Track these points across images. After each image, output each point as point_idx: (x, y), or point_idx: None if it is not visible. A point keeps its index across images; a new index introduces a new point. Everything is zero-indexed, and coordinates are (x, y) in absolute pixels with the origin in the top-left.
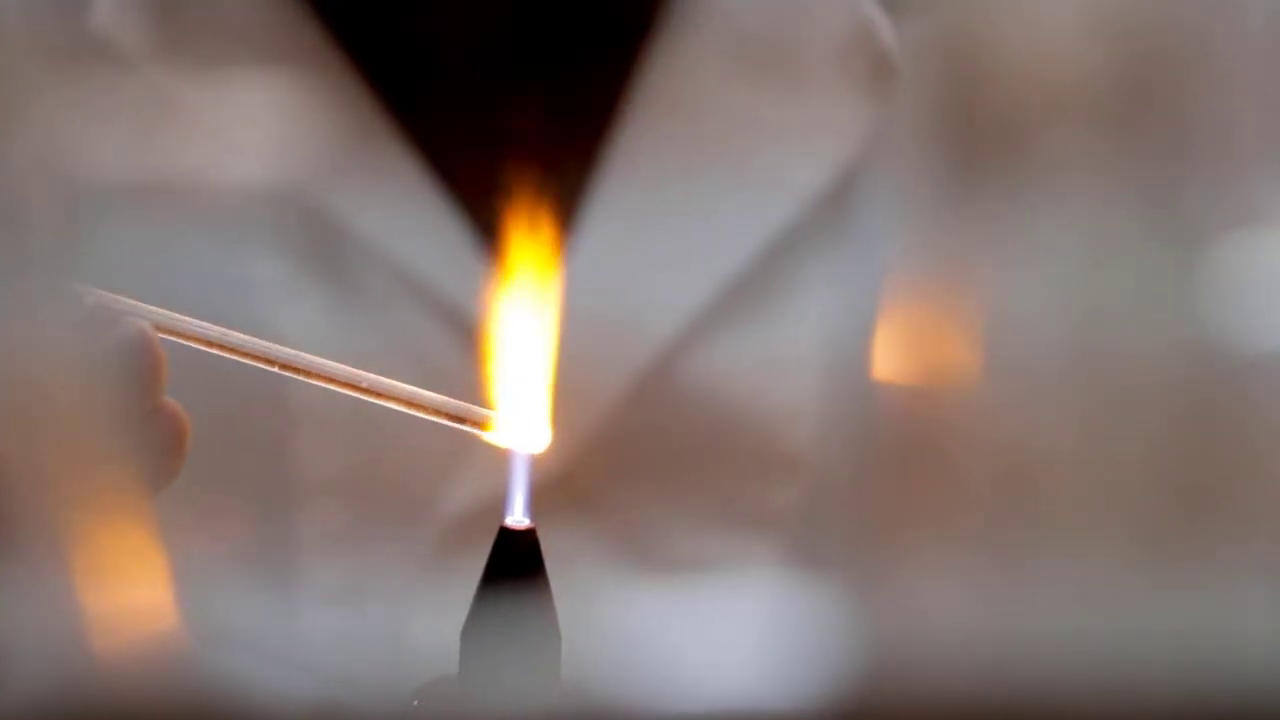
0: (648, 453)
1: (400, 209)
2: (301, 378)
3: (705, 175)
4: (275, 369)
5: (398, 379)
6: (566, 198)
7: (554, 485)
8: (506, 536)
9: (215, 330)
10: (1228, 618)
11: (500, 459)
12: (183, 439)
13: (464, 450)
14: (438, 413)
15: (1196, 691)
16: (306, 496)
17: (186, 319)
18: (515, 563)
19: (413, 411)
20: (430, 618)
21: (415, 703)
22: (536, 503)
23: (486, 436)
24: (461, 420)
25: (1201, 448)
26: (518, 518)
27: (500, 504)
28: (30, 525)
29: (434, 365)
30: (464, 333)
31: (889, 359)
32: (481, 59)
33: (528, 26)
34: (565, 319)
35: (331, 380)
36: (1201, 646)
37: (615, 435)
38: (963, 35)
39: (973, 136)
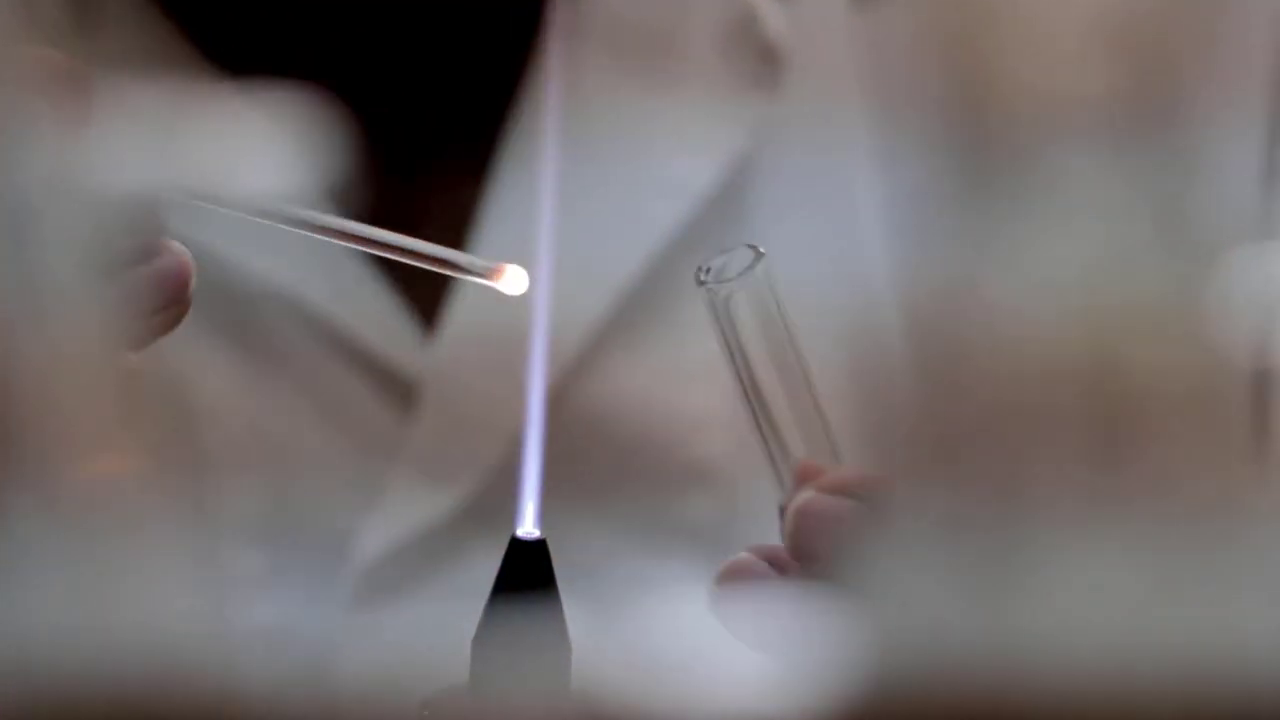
0: (558, 474)
1: (305, 250)
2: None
3: (593, 181)
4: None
5: (313, 433)
6: (458, 215)
7: (465, 514)
8: (517, 547)
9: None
10: (1233, 626)
11: (412, 498)
12: (183, 282)
13: (377, 489)
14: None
15: (1201, 698)
16: (222, 541)
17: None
18: (526, 574)
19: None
20: (354, 659)
21: (425, 713)
22: (451, 534)
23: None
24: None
25: (1210, 459)
26: (528, 529)
27: (416, 544)
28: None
29: (350, 414)
30: (377, 378)
31: (891, 365)
32: (365, 73)
33: (408, 37)
34: (458, 343)
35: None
36: (1206, 657)
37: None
38: (966, 45)
39: (977, 147)
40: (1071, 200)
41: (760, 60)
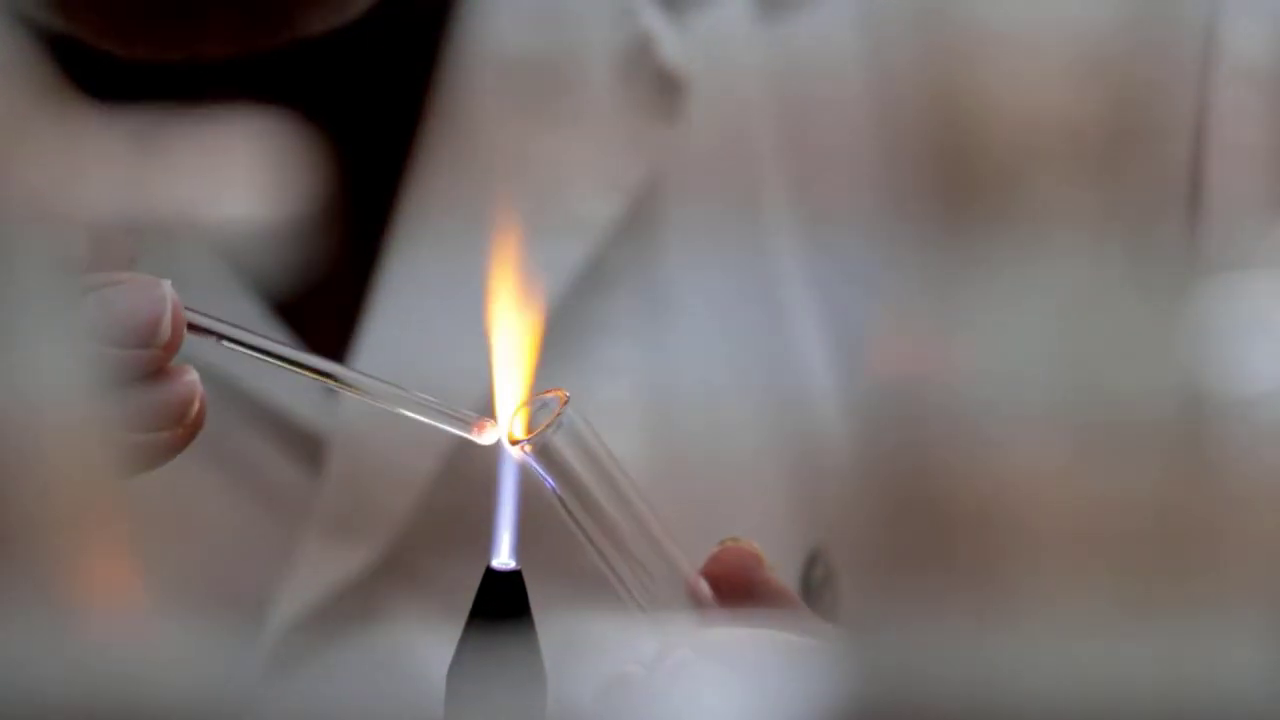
0: (473, 525)
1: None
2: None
3: (490, 220)
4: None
5: (221, 494)
6: (361, 264)
7: (382, 569)
8: (492, 578)
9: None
10: (1215, 658)
11: (325, 557)
12: (187, 406)
13: (289, 549)
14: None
15: None
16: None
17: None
18: (501, 605)
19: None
20: None
21: None
22: (367, 591)
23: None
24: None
25: (1189, 490)
26: (503, 560)
27: (331, 607)
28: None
29: (258, 473)
30: (284, 435)
31: (864, 398)
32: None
33: (309, 86)
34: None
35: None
36: (1189, 688)
37: (436, 512)
38: (944, 77)
39: (955, 181)
40: (1049, 231)
41: (659, 87)
